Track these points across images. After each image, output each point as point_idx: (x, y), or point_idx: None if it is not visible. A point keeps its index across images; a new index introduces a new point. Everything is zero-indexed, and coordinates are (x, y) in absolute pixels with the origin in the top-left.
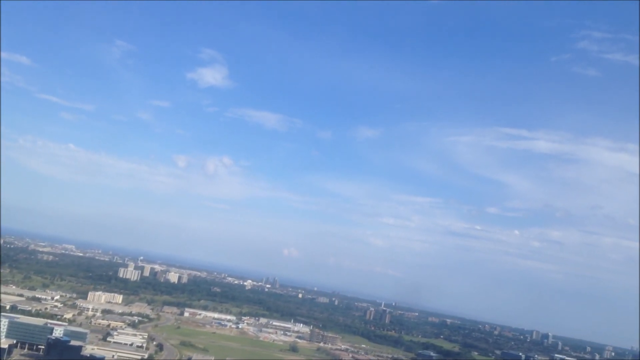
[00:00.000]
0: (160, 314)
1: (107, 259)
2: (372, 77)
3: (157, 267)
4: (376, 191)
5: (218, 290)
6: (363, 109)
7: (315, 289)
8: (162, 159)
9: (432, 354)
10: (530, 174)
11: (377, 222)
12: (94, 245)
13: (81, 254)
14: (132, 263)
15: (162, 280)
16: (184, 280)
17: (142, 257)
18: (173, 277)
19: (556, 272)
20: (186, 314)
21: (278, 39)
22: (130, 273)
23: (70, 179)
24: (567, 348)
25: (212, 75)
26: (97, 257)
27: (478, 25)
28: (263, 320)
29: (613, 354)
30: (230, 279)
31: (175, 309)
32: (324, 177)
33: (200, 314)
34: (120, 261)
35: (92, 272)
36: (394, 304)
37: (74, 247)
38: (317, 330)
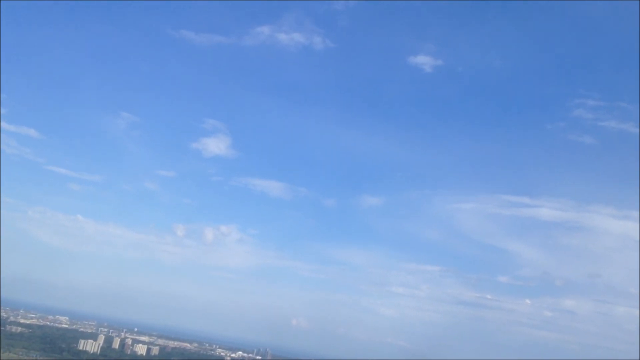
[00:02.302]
0: None
1: (89, 330)
2: (373, 145)
3: (128, 339)
4: (384, 260)
5: None
6: (365, 177)
7: None
8: (169, 229)
9: None
10: (536, 242)
11: (386, 291)
12: (92, 316)
13: (65, 326)
14: (102, 335)
15: (128, 353)
16: (154, 352)
17: (136, 329)
18: (141, 349)
19: (569, 343)
20: None
21: (279, 109)
22: (90, 345)
23: (78, 250)
24: None
25: (216, 145)
26: (79, 329)
27: (474, 93)
28: None
29: None
30: (219, 350)
31: None
32: (330, 246)
33: None
34: (103, 332)
35: (52, 345)
36: None
37: (67, 318)
38: None
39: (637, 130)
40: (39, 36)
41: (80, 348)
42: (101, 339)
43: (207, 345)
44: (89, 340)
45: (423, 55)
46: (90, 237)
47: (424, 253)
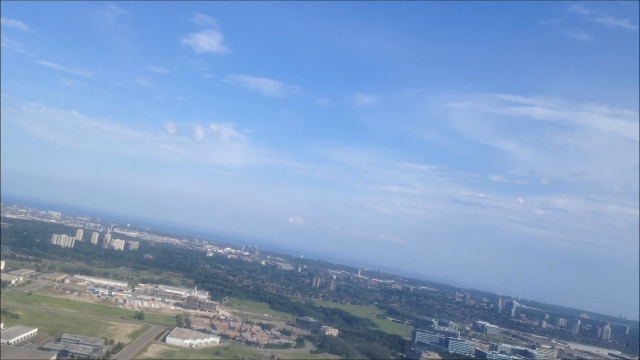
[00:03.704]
0: (37, 280)
1: (75, 225)
2: (366, 44)
3: (107, 235)
4: (378, 159)
5: (151, 257)
6: (359, 76)
7: (302, 256)
8: (164, 126)
9: (310, 319)
10: (530, 141)
11: (381, 190)
12: (88, 212)
13: (53, 221)
14: (81, 230)
15: (105, 247)
16: (132, 247)
17: (129, 224)
18: (118, 244)
19: (560, 240)
20: (67, 281)
21: (271, 4)
22: (64, 239)
23: (75, 146)
24: (523, 315)
25: (207, 41)
26: (66, 224)
27: None
28: (159, 287)
29: (586, 323)
30: (208, 246)
31: (63, 275)
32: (325, 145)
33: (83, 281)
34: (90, 227)
35: (25, 239)
36: (379, 271)
37: (59, 213)
38: (199, 297)
39: (634, 27)
40: None
41: (54, 242)
42: (80, 233)
43: (197, 240)
44: (62, 235)
45: None
46: (86, 133)
47: (418, 152)
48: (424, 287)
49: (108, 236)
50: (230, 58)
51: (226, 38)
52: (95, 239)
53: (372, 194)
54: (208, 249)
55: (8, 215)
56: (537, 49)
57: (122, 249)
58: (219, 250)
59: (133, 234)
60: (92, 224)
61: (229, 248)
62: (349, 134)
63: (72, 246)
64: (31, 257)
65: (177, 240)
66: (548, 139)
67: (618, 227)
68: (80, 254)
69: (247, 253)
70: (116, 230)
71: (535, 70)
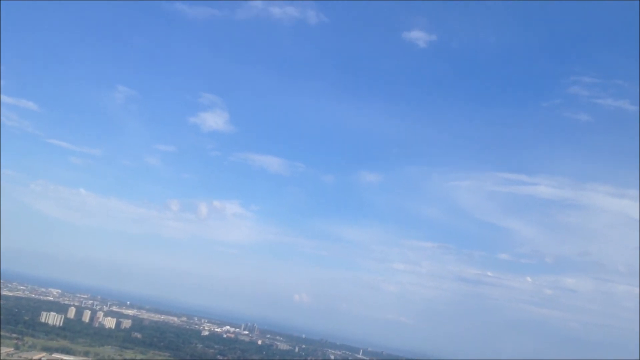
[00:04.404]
0: (13, 358)
1: (73, 303)
2: (368, 121)
3: (100, 313)
4: (384, 236)
5: (139, 336)
6: (362, 153)
7: (304, 335)
8: (170, 203)
9: None
10: (535, 219)
11: (387, 268)
12: (90, 289)
13: (50, 298)
14: (73, 308)
15: (95, 326)
16: (124, 325)
17: (129, 302)
18: (109, 322)
19: (570, 321)
20: (35, 357)
21: (274, 83)
22: (52, 317)
23: (81, 223)
24: None
25: (213, 120)
26: (62, 301)
27: (469, 70)
28: None
29: None
30: (207, 324)
31: (41, 354)
32: (331, 222)
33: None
34: (87, 305)
35: (14, 317)
36: (382, 352)
37: (59, 290)
38: None
39: (633, 107)
40: (36, 9)
41: (42, 320)
42: (72, 311)
43: (196, 319)
44: (52, 313)
45: (417, 31)
46: (93, 211)
47: (424, 230)
48: None
49: (100, 314)
50: (236, 136)
51: (232, 116)
52: (86, 317)
53: (378, 271)
54: (205, 328)
55: (5, 293)
56: (539, 129)
57: (112, 327)
58: (216, 329)
59: (130, 312)
60: (90, 302)
61: (227, 327)
62: (354, 211)
63: (61, 324)
64: (14, 335)
65: (176, 319)
66: (553, 218)
67: (628, 308)
68: (66, 332)
69: (246, 332)
70: (114, 308)
71: (538, 150)
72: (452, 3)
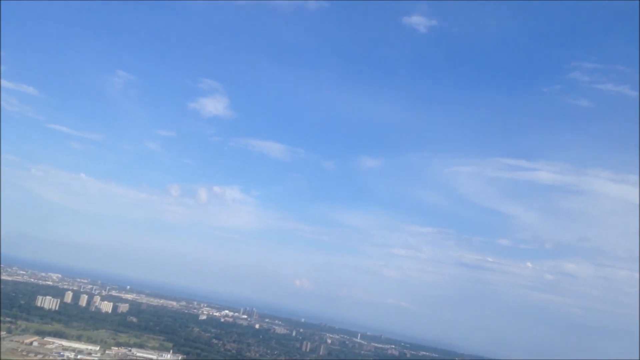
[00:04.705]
0: (4, 341)
1: (73, 288)
2: (371, 107)
3: (97, 297)
4: (385, 221)
5: (135, 320)
6: (363, 139)
7: (303, 319)
8: (172, 189)
9: None
10: (536, 205)
11: (388, 253)
12: (90, 273)
13: (49, 283)
14: (70, 292)
15: (92, 310)
16: (121, 309)
17: (129, 287)
18: (106, 306)
19: (571, 306)
20: (35, 343)
21: (274, 69)
22: (48, 301)
23: (82, 208)
24: None
25: (213, 105)
26: (61, 286)
27: (469, 55)
28: (132, 351)
29: None
30: (205, 308)
31: (33, 338)
32: (331, 207)
33: (53, 343)
34: (86, 289)
35: (10, 301)
36: (381, 335)
37: (59, 275)
38: None
39: (633, 92)
40: None
41: (38, 304)
42: (69, 295)
43: (195, 303)
44: (47, 297)
45: (417, 16)
46: (94, 196)
47: (425, 215)
48: (424, 353)
49: (97, 298)
50: (236, 121)
51: (232, 102)
52: (83, 301)
53: (379, 256)
54: (204, 312)
55: (4, 277)
56: (540, 115)
57: (109, 311)
58: (214, 313)
59: (129, 296)
60: (90, 286)
61: (226, 311)
62: (355, 196)
63: (57, 308)
64: (7, 319)
65: (174, 303)
66: (554, 204)
67: (629, 294)
68: (61, 316)
69: (245, 316)
70: (113, 292)
71: (539, 135)
72: None
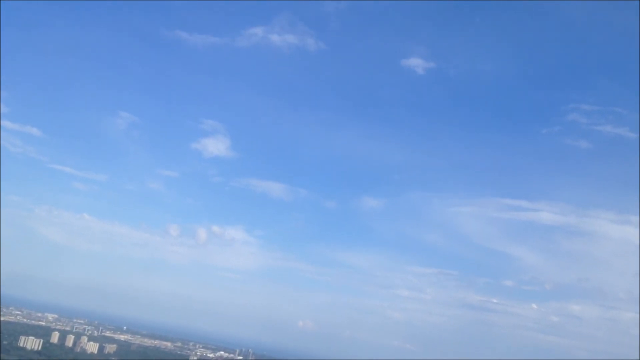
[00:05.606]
0: None
1: (65, 327)
2: (369, 148)
3: (84, 337)
4: (387, 262)
5: None
6: (363, 179)
7: None
8: (172, 229)
9: None
10: (538, 246)
11: (391, 294)
12: (89, 314)
13: (42, 323)
14: (56, 332)
15: (77, 351)
16: (107, 351)
17: (125, 327)
18: (92, 347)
19: (577, 348)
20: None
21: (274, 110)
22: (30, 342)
23: (85, 248)
24: None
25: (215, 146)
26: (53, 326)
27: (467, 97)
28: None
29: None
30: (201, 350)
31: None
32: (334, 248)
33: None
34: (79, 329)
35: None
36: None
37: (55, 315)
38: None
39: (633, 134)
40: (38, 36)
41: (20, 345)
42: (55, 335)
43: (191, 344)
44: (30, 337)
45: (415, 58)
46: (97, 236)
47: (427, 256)
48: None
49: (84, 339)
50: (237, 162)
51: (234, 143)
52: (70, 341)
53: (383, 298)
54: (197, 353)
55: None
56: (539, 156)
57: (95, 352)
58: (208, 355)
59: (123, 336)
60: (83, 327)
61: (222, 352)
62: (358, 236)
63: (39, 348)
64: None
65: (169, 344)
66: (556, 244)
67: (635, 336)
68: (41, 357)
69: (240, 357)
70: (107, 333)
71: (539, 176)
72: (450, 31)
